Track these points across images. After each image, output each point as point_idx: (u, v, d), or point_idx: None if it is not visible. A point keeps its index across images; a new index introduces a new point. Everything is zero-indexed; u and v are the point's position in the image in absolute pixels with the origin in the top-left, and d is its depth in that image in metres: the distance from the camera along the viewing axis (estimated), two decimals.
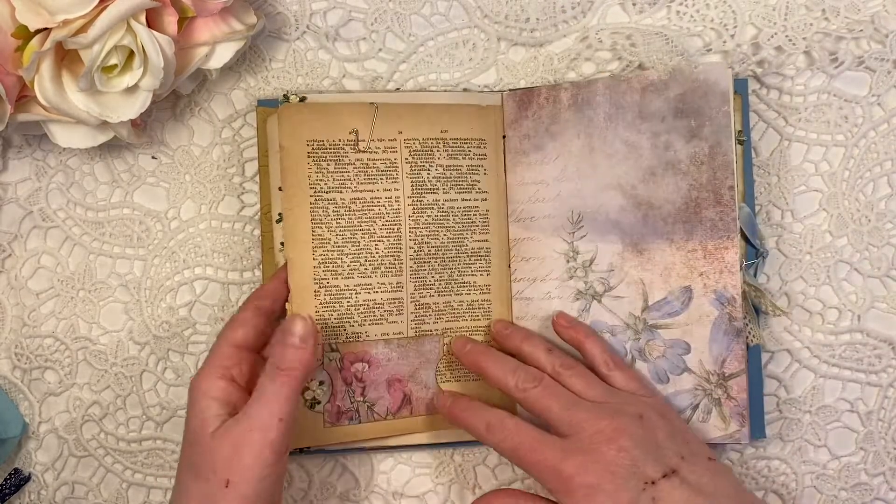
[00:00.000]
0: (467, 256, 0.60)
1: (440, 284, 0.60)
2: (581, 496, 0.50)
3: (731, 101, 0.57)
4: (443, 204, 0.60)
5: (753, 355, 0.59)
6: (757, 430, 0.59)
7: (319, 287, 0.58)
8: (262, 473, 0.49)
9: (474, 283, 0.60)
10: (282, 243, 0.59)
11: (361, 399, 0.59)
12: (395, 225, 0.59)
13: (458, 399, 0.58)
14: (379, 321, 0.59)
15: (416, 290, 0.59)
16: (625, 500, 0.49)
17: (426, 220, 0.60)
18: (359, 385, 0.59)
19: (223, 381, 0.52)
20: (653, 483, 0.50)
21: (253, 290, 0.58)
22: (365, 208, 0.59)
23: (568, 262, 0.60)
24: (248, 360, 0.53)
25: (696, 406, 0.58)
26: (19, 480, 0.60)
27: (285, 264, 0.57)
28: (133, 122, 0.56)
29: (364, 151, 0.59)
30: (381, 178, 0.59)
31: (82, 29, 0.50)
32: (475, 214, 0.60)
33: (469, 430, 0.56)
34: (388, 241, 0.59)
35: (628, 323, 0.59)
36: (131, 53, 0.53)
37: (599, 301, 0.59)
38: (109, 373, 0.61)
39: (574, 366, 0.56)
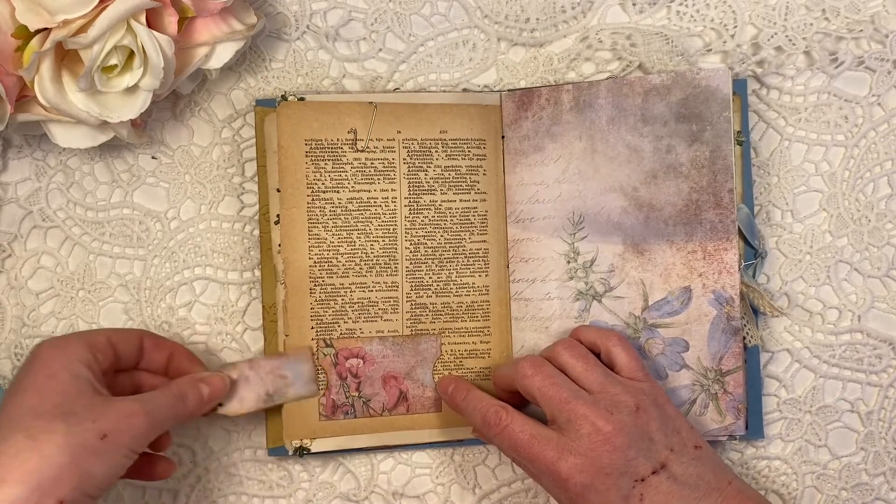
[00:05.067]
0: (465, 257, 0.60)
1: (438, 285, 0.60)
2: (574, 494, 0.51)
3: (731, 107, 0.57)
4: (440, 205, 0.60)
5: (752, 356, 0.59)
6: (756, 430, 0.59)
7: (315, 285, 0.59)
8: (135, 452, 0.49)
9: (473, 283, 0.60)
10: (279, 245, 0.59)
11: (356, 394, 0.59)
12: (391, 226, 0.59)
13: (458, 386, 0.58)
14: (373, 319, 0.59)
15: (412, 289, 0.60)
16: (615, 498, 0.50)
17: (423, 220, 0.60)
18: (354, 380, 0.59)
19: (91, 357, 0.51)
20: (642, 480, 0.51)
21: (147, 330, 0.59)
22: (361, 208, 0.59)
23: (568, 262, 0.60)
24: (111, 361, 0.53)
25: (694, 400, 0.58)
26: None
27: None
28: (133, 122, 0.56)
29: (362, 151, 0.59)
30: (378, 179, 0.59)
31: (82, 29, 0.50)
32: (474, 215, 0.60)
33: (467, 419, 0.57)
34: (383, 241, 0.59)
35: (628, 322, 0.59)
36: (131, 53, 0.53)
37: (600, 301, 0.59)
38: None
39: (574, 346, 0.56)
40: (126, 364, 0.55)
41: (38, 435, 0.46)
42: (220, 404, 0.56)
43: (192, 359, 0.57)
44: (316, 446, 0.59)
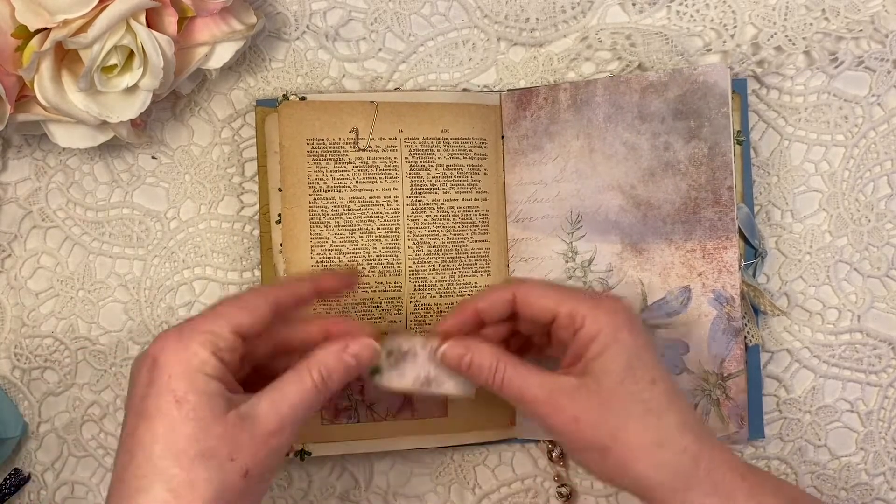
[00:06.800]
0: (468, 257, 0.60)
1: (441, 285, 0.60)
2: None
3: (730, 103, 0.57)
4: (442, 204, 0.60)
5: (752, 355, 0.59)
6: (755, 430, 0.59)
7: None
8: (274, 472, 0.46)
9: (475, 283, 0.60)
10: (281, 244, 0.59)
11: (360, 398, 0.59)
12: (394, 225, 0.59)
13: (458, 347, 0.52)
14: (377, 319, 0.59)
15: (415, 290, 0.59)
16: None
17: (425, 220, 0.60)
18: (357, 383, 0.59)
19: (218, 363, 0.45)
20: None
21: (275, 281, 0.55)
22: (363, 208, 0.59)
23: (567, 262, 0.60)
24: (241, 350, 0.47)
25: (695, 406, 0.58)
26: (19, 480, 0.60)
27: (317, 274, 0.54)
28: (133, 122, 0.56)
29: (364, 150, 0.59)
30: (380, 178, 0.59)
31: (82, 29, 0.51)
32: (475, 214, 0.60)
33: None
34: (385, 240, 0.59)
35: None
36: (131, 53, 0.53)
37: None
38: (109, 373, 0.61)
39: None
40: (260, 351, 0.49)
41: (180, 489, 0.42)
42: (379, 371, 0.51)
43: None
44: (317, 451, 0.58)
